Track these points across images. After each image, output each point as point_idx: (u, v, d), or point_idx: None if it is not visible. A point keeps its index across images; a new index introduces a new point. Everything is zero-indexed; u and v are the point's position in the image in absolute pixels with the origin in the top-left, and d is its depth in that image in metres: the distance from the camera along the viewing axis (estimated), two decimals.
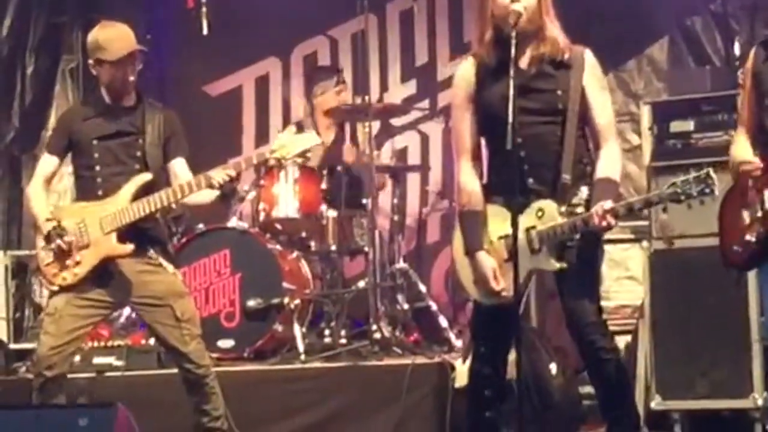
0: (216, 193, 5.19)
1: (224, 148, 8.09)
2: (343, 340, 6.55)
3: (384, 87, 8.20)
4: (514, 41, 4.38)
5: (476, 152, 4.68)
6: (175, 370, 5.36)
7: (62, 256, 5.11)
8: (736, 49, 6.95)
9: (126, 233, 5.12)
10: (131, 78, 5.21)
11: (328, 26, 8.26)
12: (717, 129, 5.67)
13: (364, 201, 6.80)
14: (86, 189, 5.25)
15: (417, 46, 8.17)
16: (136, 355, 6.31)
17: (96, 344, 6.31)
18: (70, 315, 5.12)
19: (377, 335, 6.39)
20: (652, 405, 5.71)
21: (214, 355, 6.07)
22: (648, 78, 7.43)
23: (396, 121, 7.91)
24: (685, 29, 7.29)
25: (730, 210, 4.51)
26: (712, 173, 4.26)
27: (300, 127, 7.27)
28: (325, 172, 6.90)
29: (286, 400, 6.03)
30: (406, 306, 6.93)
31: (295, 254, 6.86)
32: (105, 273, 5.16)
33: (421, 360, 6.06)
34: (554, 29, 4.57)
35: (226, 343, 6.50)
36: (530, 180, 4.51)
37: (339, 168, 6.94)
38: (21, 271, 7.54)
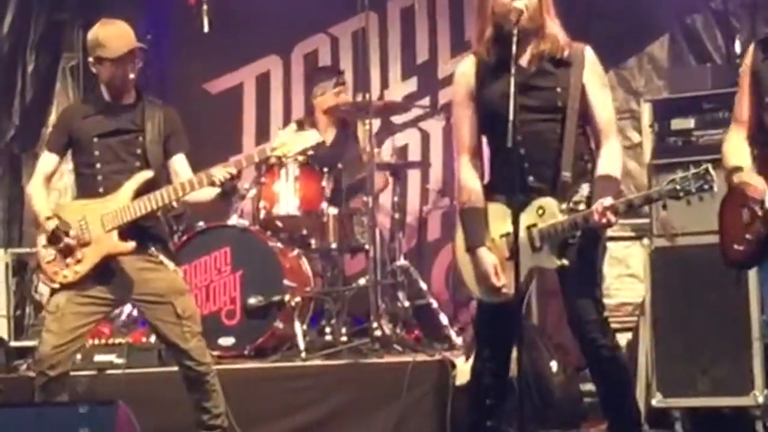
0: (217, 190, 5.19)
1: (225, 145, 8.08)
2: (344, 338, 6.56)
3: (385, 84, 8.20)
4: (515, 39, 4.38)
5: (477, 150, 4.68)
6: (176, 368, 5.36)
7: (63, 254, 5.11)
8: (737, 47, 6.95)
9: (127, 231, 5.13)
10: (131, 76, 5.21)
11: (329, 24, 8.26)
12: (718, 126, 5.66)
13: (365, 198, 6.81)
14: (87, 186, 5.25)
15: (418, 44, 8.17)
16: (137, 353, 6.31)
17: (97, 342, 6.31)
18: (72, 313, 5.12)
19: (378, 333, 6.39)
20: (653, 402, 5.72)
21: (215, 352, 6.07)
22: (649, 76, 7.43)
23: (397, 119, 7.91)
24: (685, 27, 7.29)
25: (731, 208, 4.51)
26: (711, 170, 4.25)
27: (301, 125, 7.27)
28: (325, 170, 6.90)
29: (287, 397, 6.03)
30: (406, 303, 6.94)
31: (295, 252, 6.86)
32: (106, 270, 5.16)
33: (421, 357, 6.06)
34: (554, 27, 4.57)
35: (226, 341, 6.51)
36: (530, 178, 4.51)
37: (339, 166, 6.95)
38: (21, 268, 7.53)
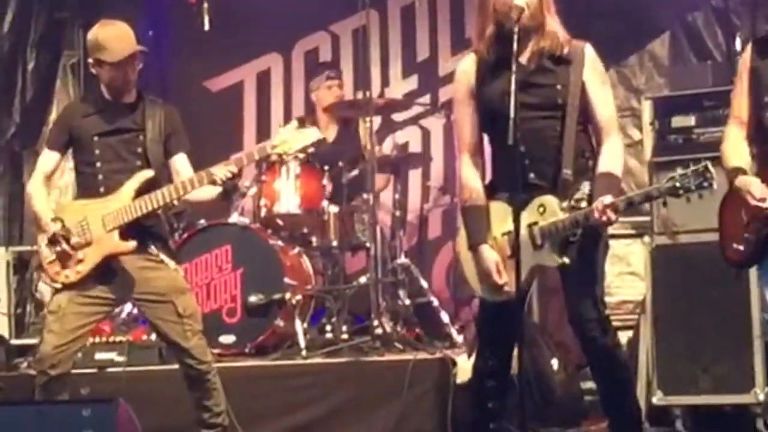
0: (218, 189, 5.18)
1: (225, 143, 8.08)
2: (345, 336, 6.55)
3: (385, 82, 8.20)
4: (516, 36, 4.38)
5: (478, 148, 4.68)
6: (177, 366, 5.35)
7: (65, 254, 5.11)
8: (738, 45, 6.94)
9: (128, 230, 5.12)
10: (132, 77, 5.20)
11: (330, 22, 8.25)
12: (718, 124, 5.64)
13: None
14: (87, 185, 5.24)
15: (418, 42, 8.16)
16: (138, 351, 6.31)
17: (98, 340, 6.31)
18: (74, 313, 5.12)
19: (378, 331, 6.39)
20: (654, 400, 5.71)
21: (216, 350, 6.07)
22: (649, 73, 7.43)
23: (397, 117, 7.90)
24: (686, 25, 7.29)
25: (731, 208, 4.51)
26: (710, 167, 4.24)
27: (302, 123, 7.25)
28: (326, 168, 6.90)
29: (288, 395, 6.03)
30: (407, 301, 6.92)
31: (296, 250, 6.86)
32: (107, 270, 5.15)
33: (422, 356, 6.06)
34: (554, 24, 4.56)
35: (227, 339, 6.50)
36: (531, 175, 4.51)
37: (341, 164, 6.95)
38: (22, 267, 7.54)
